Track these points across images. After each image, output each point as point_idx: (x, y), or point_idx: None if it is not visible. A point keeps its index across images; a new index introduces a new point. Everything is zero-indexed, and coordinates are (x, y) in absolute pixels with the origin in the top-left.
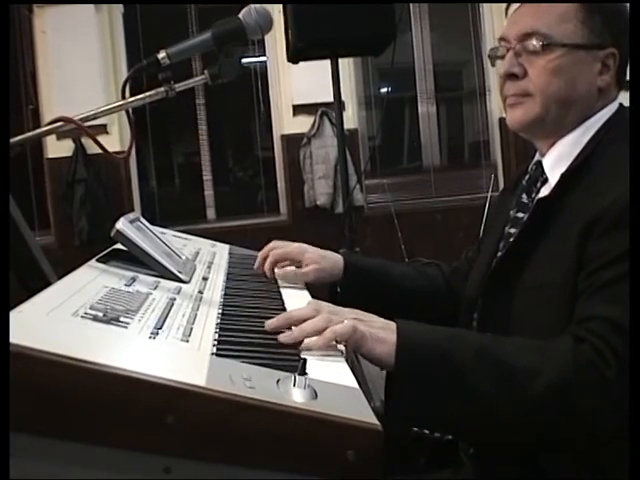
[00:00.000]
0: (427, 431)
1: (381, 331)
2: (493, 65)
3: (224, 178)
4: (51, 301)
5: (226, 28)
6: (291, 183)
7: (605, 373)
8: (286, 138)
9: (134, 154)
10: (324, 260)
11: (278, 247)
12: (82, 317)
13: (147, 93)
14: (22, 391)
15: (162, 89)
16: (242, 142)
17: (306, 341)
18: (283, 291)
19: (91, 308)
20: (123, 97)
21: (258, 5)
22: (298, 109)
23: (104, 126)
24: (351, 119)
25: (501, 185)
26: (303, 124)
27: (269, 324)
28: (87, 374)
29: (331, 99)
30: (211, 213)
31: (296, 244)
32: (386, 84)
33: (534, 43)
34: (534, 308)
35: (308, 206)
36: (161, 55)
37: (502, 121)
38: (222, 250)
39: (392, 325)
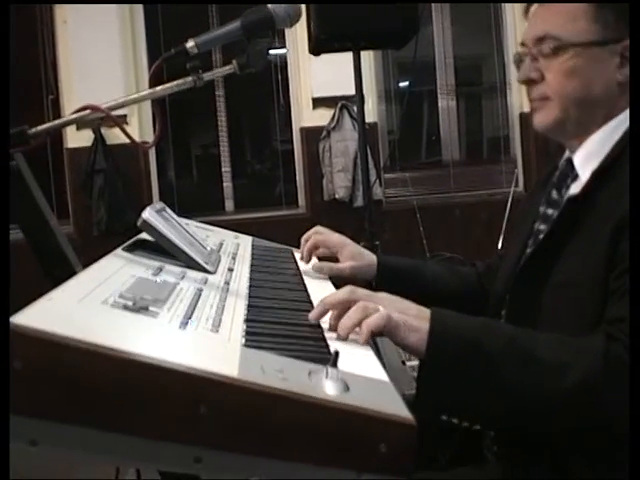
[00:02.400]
0: (456, 420)
1: (415, 319)
2: (519, 70)
3: (243, 170)
4: (80, 289)
5: (255, 17)
6: (310, 176)
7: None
8: (305, 131)
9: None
10: (361, 257)
11: (321, 233)
12: (112, 306)
13: (175, 82)
14: (54, 378)
15: (190, 78)
16: (261, 134)
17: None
18: (308, 283)
19: (120, 297)
20: (151, 86)
21: None
22: (318, 102)
23: (124, 116)
24: (371, 113)
25: (521, 181)
26: (323, 117)
27: (311, 316)
28: (119, 362)
29: (351, 92)
30: (229, 205)
31: (338, 235)
32: (406, 78)
33: (548, 46)
34: (563, 305)
35: (327, 199)
36: (189, 44)
37: (522, 116)
38: (245, 242)
39: (426, 313)
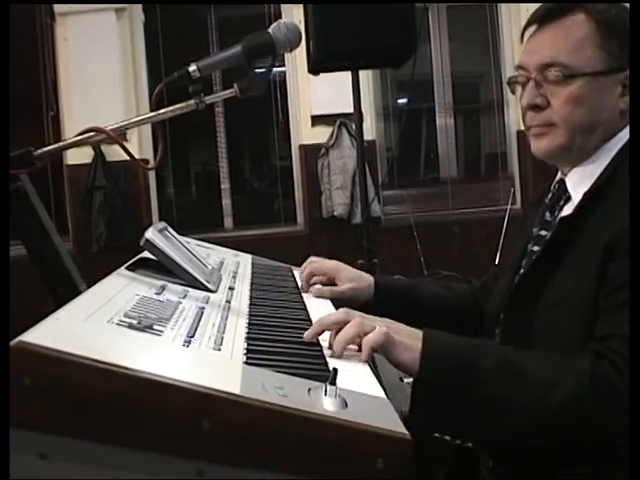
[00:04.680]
0: (448, 437)
1: (408, 339)
2: (513, 92)
3: (242, 187)
4: (86, 308)
5: (256, 42)
6: (308, 193)
7: (623, 389)
8: (304, 148)
9: (152, 162)
10: (359, 280)
11: (316, 262)
12: (117, 324)
13: (177, 105)
14: (61, 394)
15: (192, 101)
16: (260, 152)
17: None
18: (307, 302)
19: (125, 316)
20: (153, 109)
21: (288, 20)
22: (317, 120)
23: (123, 134)
24: (369, 130)
25: (519, 198)
26: (321, 135)
27: (306, 336)
28: (125, 379)
29: (349, 110)
30: (228, 222)
31: (332, 261)
32: (404, 96)
33: (555, 74)
34: (556, 324)
35: (325, 216)
36: (192, 68)
37: (520, 134)
38: (245, 260)
39: (419, 333)
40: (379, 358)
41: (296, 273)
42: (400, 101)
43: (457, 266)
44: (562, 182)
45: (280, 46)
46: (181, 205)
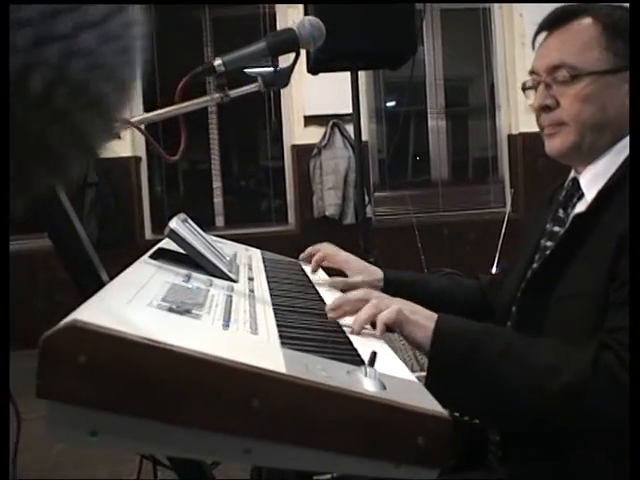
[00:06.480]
0: (457, 414)
1: (423, 318)
2: (526, 97)
3: (233, 186)
4: (123, 293)
5: (280, 38)
6: (300, 193)
7: (625, 380)
8: (296, 148)
9: (145, 159)
10: (368, 272)
11: (330, 248)
12: (157, 308)
13: (202, 98)
14: (116, 373)
15: (217, 95)
16: (253, 151)
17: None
18: (322, 294)
19: (163, 300)
20: (178, 101)
21: (312, 17)
22: (309, 120)
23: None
24: (361, 132)
25: (509, 201)
26: (314, 135)
27: (328, 308)
28: (178, 358)
29: (342, 111)
30: (220, 221)
31: (345, 253)
32: (396, 98)
33: (563, 74)
34: (567, 318)
35: (317, 216)
36: (217, 62)
37: (510, 137)
38: (256, 254)
39: (435, 315)
40: None
41: (306, 268)
42: (390, 103)
43: (446, 267)
44: (575, 180)
45: (304, 42)
46: (172, 203)
